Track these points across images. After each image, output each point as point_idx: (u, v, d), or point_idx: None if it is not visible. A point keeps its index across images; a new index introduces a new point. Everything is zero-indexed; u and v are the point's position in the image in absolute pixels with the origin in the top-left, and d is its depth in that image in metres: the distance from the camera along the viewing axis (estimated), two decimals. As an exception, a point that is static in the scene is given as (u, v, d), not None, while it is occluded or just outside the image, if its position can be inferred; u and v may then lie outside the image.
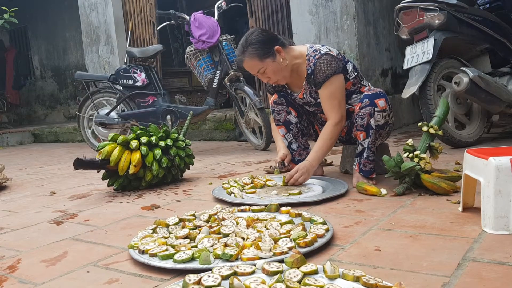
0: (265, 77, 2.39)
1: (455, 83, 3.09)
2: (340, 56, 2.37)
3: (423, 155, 2.07)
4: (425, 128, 2.18)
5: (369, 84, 2.53)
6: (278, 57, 2.33)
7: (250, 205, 1.98)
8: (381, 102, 2.29)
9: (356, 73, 2.43)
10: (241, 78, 4.08)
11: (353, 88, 2.44)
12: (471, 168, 1.66)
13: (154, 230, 1.70)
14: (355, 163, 2.36)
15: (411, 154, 2.11)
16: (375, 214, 1.81)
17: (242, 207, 1.94)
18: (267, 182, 2.45)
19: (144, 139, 2.65)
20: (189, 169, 2.98)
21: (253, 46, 2.31)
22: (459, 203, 1.80)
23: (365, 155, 2.32)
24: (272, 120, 2.70)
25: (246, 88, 3.97)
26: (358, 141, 2.36)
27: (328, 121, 2.34)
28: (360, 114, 2.32)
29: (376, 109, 2.28)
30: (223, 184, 2.43)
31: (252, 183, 2.42)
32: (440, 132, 2.18)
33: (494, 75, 3.41)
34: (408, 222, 1.67)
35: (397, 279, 1.18)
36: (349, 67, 2.40)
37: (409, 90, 3.12)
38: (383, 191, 2.10)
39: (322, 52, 2.34)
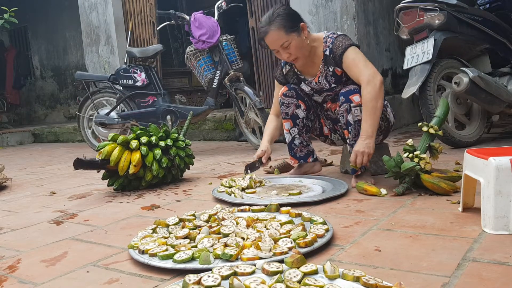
0: (286, 53, 2.33)
1: (455, 83, 3.09)
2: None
3: (423, 155, 2.07)
4: (425, 128, 2.18)
5: None
6: (302, 33, 2.32)
7: (250, 205, 1.98)
8: (355, 98, 2.28)
9: None
10: (241, 78, 4.08)
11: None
12: (471, 168, 1.66)
13: (154, 230, 1.70)
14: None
15: (411, 154, 2.11)
16: (375, 214, 1.81)
17: (242, 207, 1.94)
18: (264, 182, 2.46)
19: (144, 139, 2.65)
20: (189, 169, 2.98)
21: (281, 17, 2.29)
22: (459, 203, 1.80)
23: (350, 151, 2.35)
24: (271, 113, 2.69)
25: (246, 88, 3.97)
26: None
27: (362, 85, 2.25)
28: (340, 113, 2.34)
29: (351, 104, 2.28)
30: (221, 184, 2.43)
31: (247, 186, 2.38)
32: (440, 132, 2.18)
33: (494, 75, 3.41)
34: (408, 222, 1.67)
35: (397, 279, 1.18)
36: None
37: (409, 90, 3.12)
38: (383, 191, 2.10)
39: (339, 33, 2.40)
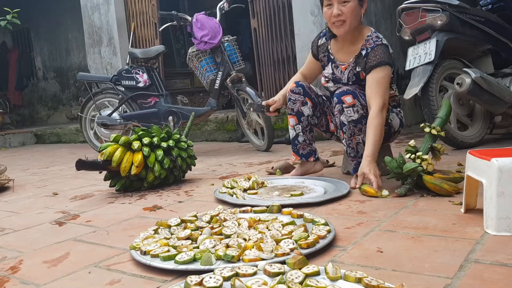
0: (339, 9, 2.31)
1: (458, 84, 3.08)
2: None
3: (425, 156, 2.06)
4: (427, 129, 2.17)
5: (396, 89, 2.54)
6: (363, 6, 2.36)
7: (252, 206, 1.98)
8: (347, 99, 2.29)
9: (392, 76, 2.43)
10: (243, 79, 4.08)
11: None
12: (473, 169, 1.66)
13: (156, 231, 1.70)
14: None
15: (413, 155, 2.10)
16: (377, 215, 1.80)
17: (243, 208, 1.93)
18: (266, 183, 2.46)
19: (146, 140, 2.65)
20: (191, 170, 2.98)
21: None
22: (461, 204, 1.80)
23: (347, 153, 2.35)
24: (300, 71, 2.73)
25: (248, 89, 3.97)
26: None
27: (373, 109, 2.25)
28: (335, 114, 2.36)
29: (343, 105, 2.29)
30: (223, 185, 2.43)
31: (249, 187, 2.38)
32: (442, 133, 2.18)
33: (497, 76, 3.40)
34: (410, 223, 1.67)
35: (399, 281, 1.18)
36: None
37: (411, 91, 3.12)
38: (385, 192, 2.10)
39: (384, 42, 2.37)
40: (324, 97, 2.62)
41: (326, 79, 2.57)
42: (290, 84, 2.64)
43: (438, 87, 3.20)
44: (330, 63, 2.54)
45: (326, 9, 2.37)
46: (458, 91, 3.08)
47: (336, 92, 2.35)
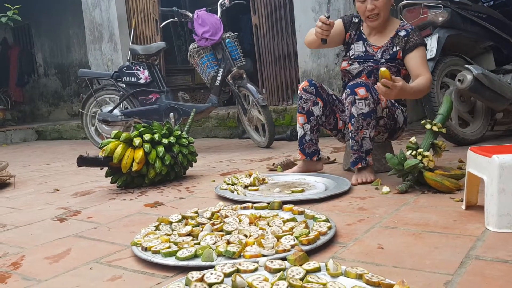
0: (373, 3, 2.41)
1: (459, 80, 3.07)
2: None
3: (426, 153, 2.06)
4: (428, 126, 2.17)
5: None
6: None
7: (253, 202, 1.98)
8: (360, 91, 2.29)
9: None
10: (244, 76, 4.08)
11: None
12: (474, 166, 1.65)
13: (157, 227, 1.71)
14: None
15: (414, 152, 2.10)
16: (378, 212, 1.80)
17: (245, 205, 1.94)
18: (267, 179, 2.46)
19: (147, 136, 2.65)
20: (192, 166, 2.98)
21: None
22: (462, 201, 1.80)
23: (350, 145, 2.35)
24: (309, 34, 2.64)
25: (249, 85, 3.97)
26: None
27: (424, 76, 2.35)
28: (346, 105, 2.35)
29: (356, 97, 2.29)
30: (224, 181, 2.43)
31: (250, 183, 2.39)
32: (443, 130, 2.18)
33: (498, 73, 3.39)
34: (411, 220, 1.67)
35: (399, 277, 1.18)
36: None
37: (413, 87, 3.11)
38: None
39: (414, 28, 2.51)
40: (334, 96, 2.63)
41: (351, 61, 2.57)
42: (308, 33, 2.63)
43: (439, 83, 3.19)
44: (362, 42, 2.58)
45: (360, 3, 2.45)
46: (460, 87, 3.08)
47: (349, 83, 2.36)
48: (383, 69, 2.07)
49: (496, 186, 1.48)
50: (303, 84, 2.57)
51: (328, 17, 2.38)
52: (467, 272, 1.19)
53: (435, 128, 2.16)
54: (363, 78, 2.51)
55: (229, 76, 4.06)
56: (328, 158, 3.03)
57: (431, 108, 3.13)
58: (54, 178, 3.42)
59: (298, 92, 2.58)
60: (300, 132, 2.60)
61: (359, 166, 2.34)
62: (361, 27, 2.61)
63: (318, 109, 2.54)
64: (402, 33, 2.47)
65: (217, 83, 4.12)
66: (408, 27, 2.49)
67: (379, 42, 2.53)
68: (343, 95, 2.48)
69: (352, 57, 2.57)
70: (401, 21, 2.56)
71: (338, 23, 2.64)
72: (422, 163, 2.03)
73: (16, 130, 7.70)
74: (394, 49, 2.47)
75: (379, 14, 2.43)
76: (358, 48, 2.58)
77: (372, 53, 2.53)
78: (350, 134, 2.35)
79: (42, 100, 10.27)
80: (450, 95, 3.17)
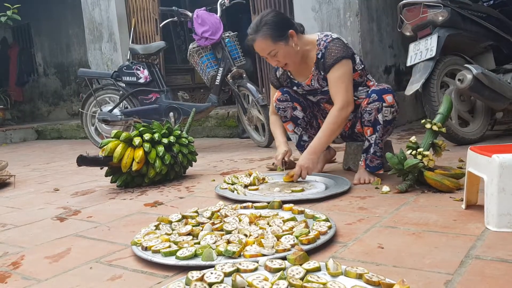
0: (274, 60, 2.33)
1: (459, 80, 3.07)
2: (349, 45, 2.37)
3: (426, 152, 2.06)
4: (428, 125, 2.17)
5: (374, 80, 2.52)
6: (290, 41, 2.28)
7: (253, 202, 1.98)
8: (389, 98, 2.28)
9: (362, 66, 2.43)
10: (244, 75, 4.07)
11: (359, 80, 2.43)
12: (474, 166, 1.65)
13: (157, 227, 1.71)
14: (361, 159, 2.37)
15: (414, 151, 2.10)
16: (378, 212, 1.80)
17: (244, 204, 1.94)
18: (266, 179, 2.46)
19: (147, 136, 2.65)
20: (192, 166, 2.98)
21: (268, 26, 2.25)
22: (462, 200, 1.80)
23: (372, 150, 2.32)
24: (271, 113, 2.65)
25: (249, 85, 3.97)
26: (365, 137, 2.36)
27: (334, 106, 2.29)
28: (367, 109, 2.31)
29: (384, 104, 2.27)
30: (224, 181, 2.43)
31: (250, 183, 2.38)
32: (443, 130, 2.18)
33: (498, 72, 3.39)
34: (411, 219, 1.67)
35: (400, 277, 1.17)
36: (357, 58, 2.40)
37: (413, 87, 3.11)
38: (386, 188, 2.10)
39: (334, 36, 2.34)
40: (311, 101, 2.60)
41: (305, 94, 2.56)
42: (279, 127, 2.60)
43: (439, 83, 3.19)
44: (296, 86, 2.54)
45: (267, 60, 2.38)
46: (460, 87, 3.08)
47: (375, 89, 2.32)
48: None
49: (496, 186, 1.48)
50: (276, 95, 2.56)
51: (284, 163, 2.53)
52: (467, 272, 1.19)
53: (435, 128, 2.15)
54: (325, 106, 2.53)
55: (229, 76, 4.06)
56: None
57: (431, 108, 3.13)
58: (54, 177, 3.42)
59: (274, 104, 2.57)
60: (294, 138, 2.60)
61: (381, 172, 2.36)
62: (288, 73, 2.53)
63: (299, 112, 2.55)
64: (319, 55, 2.34)
65: (217, 83, 4.12)
66: (323, 45, 2.33)
67: (307, 74, 2.44)
68: (364, 96, 2.41)
69: (302, 93, 2.56)
70: (318, 36, 2.37)
71: (273, 91, 2.63)
72: (422, 162, 2.03)
73: (16, 130, 7.70)
74: (323, 73, 2.37)
75: (288, 64, 2.35)
76: (298, 90, 2.55)
77: (311, 89, 2.48)
78: (372, 139, 2.33)
79: (42, 100, 10.26)
80: (450, 95, 3.17)
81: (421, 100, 3.51)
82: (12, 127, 8.12)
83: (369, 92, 2.33)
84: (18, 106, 10.38)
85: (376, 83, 2.47)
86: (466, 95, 3.29)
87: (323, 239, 1.47)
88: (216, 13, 4.18)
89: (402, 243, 1.44)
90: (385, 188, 2.10)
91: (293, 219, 1.68)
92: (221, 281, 1.18)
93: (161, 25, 4.97)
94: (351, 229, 1.62)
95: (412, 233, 1.53)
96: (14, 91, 10.11)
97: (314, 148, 2.31)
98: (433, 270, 1.22)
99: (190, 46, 4.23)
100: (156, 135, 2.69)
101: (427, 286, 1.13)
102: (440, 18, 3.14)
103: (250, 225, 1.66)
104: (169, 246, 1.46)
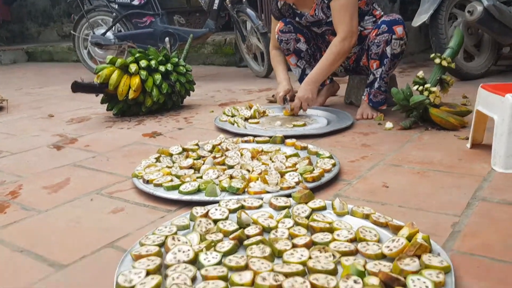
0: None
1: (468, 11, 2.94)
2: None
3: (433, 89, 2.00)
4: (437, 60, 2.09)
5: (380, 9, 2.39)
6: None
7: (254, 136, 1.94)
8: (399, 29, 2.18)
9: None
10: (244, 0, 3.88)
11: (366, 8, 2.30)
12: (484, 104, 1.61)
13: (157, 159, 1.67)
14: (364, 93, 2.31)
15: (421, 87, 2.04)
16: (381, 149, 1.78)
17: (246, 138, 1.90)
18: (267, 112, 2.40)
19: (143, 63, 2.55)
20: (189, 95, 2.91)
21: None
22: (467, 139, 1.77)
23: (376, 85, 2.25)
24: (272, 47, 2.56)
25: (249, 10, 3.79)
26: (370, 70, 2.28)
27: (337, 36, 2.20)
28: (375, 41, 2.21)
29: (393, 36, 2.17)
30: (224, 112, 2.37)
31: (250, 116, 2.32)
32: (452, 65, 2.10)
33: (510, 5, 3.25)
34: (415, 157, 1.65)
35: (405, 217, 1.17)
36: None
37: (420, 18, 2.98)
38: (389, 124, 2.07)
39: None
40: (315, 32, 2.48)
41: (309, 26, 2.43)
42: (281, 63, 2.50)
43: (448, 15, 3.06)
44: (299, 18, 2.39)
45: None
46: (469, 19, 2.95)
47: (385, 19, 2.19)
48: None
49: (507, 126, 1.45)
50: (279, 25, 2.44)
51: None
52: (474, 214, 1.18)
53: (444, 63, 2.08)
54: (330, 38, 2.38)
55: (227, 0, 3.87)
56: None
57: (438, 41, 3.02)
58: (48, 102, 3.34)
59: (277, 36, 2.45)
60: (297, 72, 2.52)
61: (384, 107, 2.29)
62: (291, 4, 2.37)
63: (303, 44, 2.45)
64: None
65: (214, 7, 3.93)
66: None
67: (310, 4, 2.30)
68: (371, 27, 2.30)
69: (306, 24, 2.41)
70: None
71: (274, 24, 2.50)
72: (429, 99, 1.98)
73: (6, 51, 7.46)
74: (327, 1, 2.23)
75: None
76: (301, 22, 2.40)
77: (315, 20, 2.33)
78: (377, 73, 2.25)
79: (31, 20, 9.86)
80: (458, 27, 3.04)
81: (425, 32, 3.39)
82: (2, 48, 7.86)
83: (379, 22, 2.22)
84: (7, 26, 9.99)
85: (382, 13, 2.35)
86: (474, 28, 3.17)
87: (327, 176, 1.45)
88: None
89: (407, 183, 1.43)
90: (389, 124, 2.07)
91: (296, 155, 1.65)
92: (226, 218, 1.17)
93: None
94: (354, 166, 1.60)
95: (417, 172, 1.51)
96: (1, 10, 9.68)
97: (313, 78, 2.24)
98: (440, 211, 1.21)
99: (187, -33, 3.99)
100: (152, 62, 2.59)
101: (434, 228, 1.12)
102: None
103: (252, 160, 1.63)
104: (171, 180, 1.43)
